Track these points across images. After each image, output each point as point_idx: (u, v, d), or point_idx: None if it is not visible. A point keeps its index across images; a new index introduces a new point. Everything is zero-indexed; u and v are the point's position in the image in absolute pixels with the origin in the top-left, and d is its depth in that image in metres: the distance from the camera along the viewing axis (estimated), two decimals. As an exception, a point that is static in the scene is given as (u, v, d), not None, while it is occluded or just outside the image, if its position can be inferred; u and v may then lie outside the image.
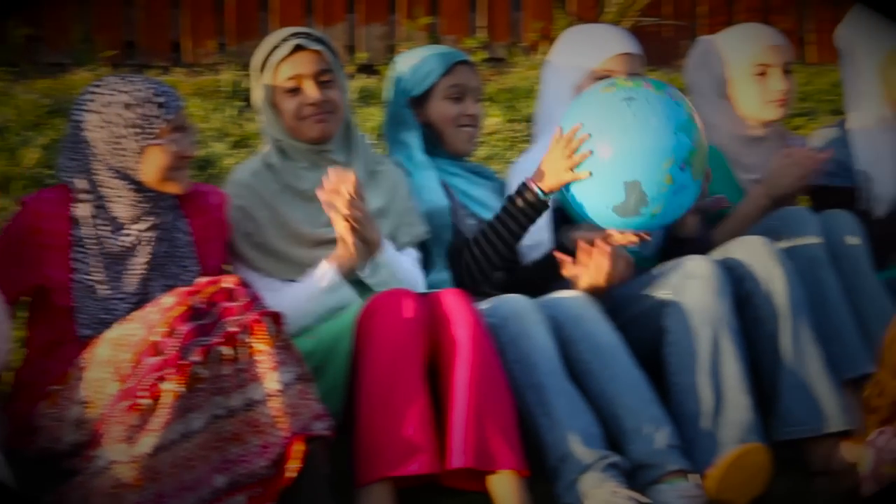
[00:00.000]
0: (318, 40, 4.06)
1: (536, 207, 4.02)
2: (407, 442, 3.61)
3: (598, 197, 3.88)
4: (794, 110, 6.33)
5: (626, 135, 3.83)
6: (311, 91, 4.02)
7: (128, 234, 3.74)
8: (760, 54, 4.49)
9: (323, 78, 4.03)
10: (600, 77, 4.23)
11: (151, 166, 3.69)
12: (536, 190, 4.00)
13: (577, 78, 4.31)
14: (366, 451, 3.64)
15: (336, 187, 3.76)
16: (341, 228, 3.79)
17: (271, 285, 3.91)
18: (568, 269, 3.97)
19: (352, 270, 3.86)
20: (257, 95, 4.10)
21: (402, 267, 4.02)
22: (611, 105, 3.87)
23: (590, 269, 3.94)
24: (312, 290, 3.84)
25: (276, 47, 4.03)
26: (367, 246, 3.84)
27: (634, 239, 3.97)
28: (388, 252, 3.96)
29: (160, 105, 3.67)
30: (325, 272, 3.84)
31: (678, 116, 3.85)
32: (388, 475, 3.60)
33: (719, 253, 4.11)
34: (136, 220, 3.74)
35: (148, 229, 3.75)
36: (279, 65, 4.02)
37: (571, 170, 3.88)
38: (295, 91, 4.02)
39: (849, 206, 4.42)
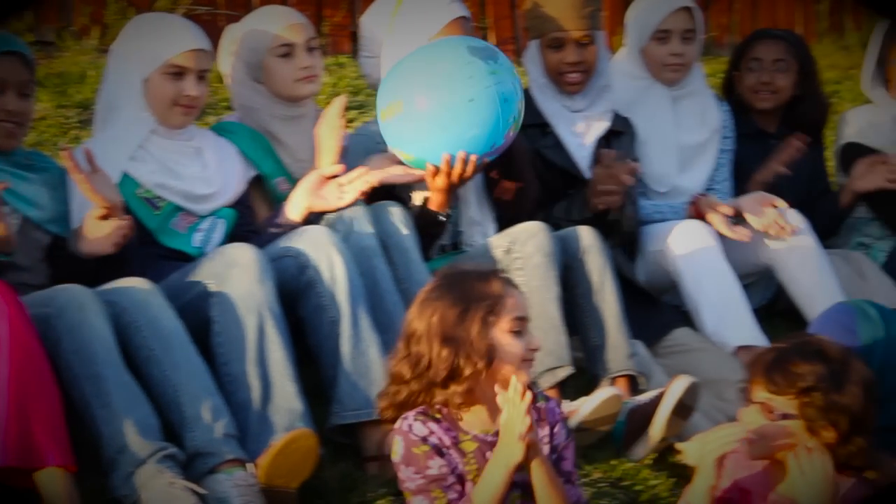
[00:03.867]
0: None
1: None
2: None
3: None
4: (348, 103, 6.45)
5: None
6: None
7: None
8: (283, 33, 4.54)
9: None
10: (171, 72, 4.20)
11: None
12: None
13: (146, 70, 4.25)
14: None
15: None
16: None
17: None
18: None
19: None
20: None
21: None
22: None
23: None
24: None
25: None
26: None
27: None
28: None
29: None
30: None
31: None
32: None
33: (282, 242, 4.14)
34: None
35: None
36: None
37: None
38: None
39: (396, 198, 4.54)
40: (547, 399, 3.49)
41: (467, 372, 3.31)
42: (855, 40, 8.26)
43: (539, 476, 3.29)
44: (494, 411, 3.35)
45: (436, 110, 4.18)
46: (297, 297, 4.06)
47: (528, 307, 3.41)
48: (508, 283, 3.43)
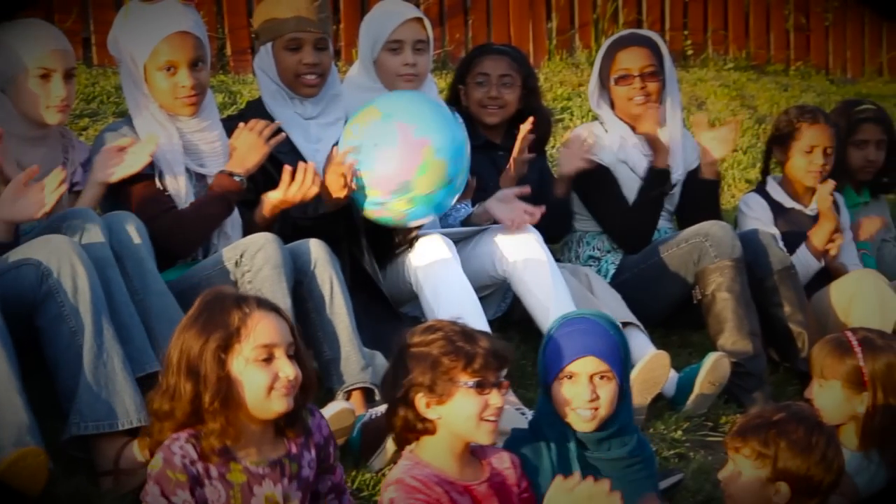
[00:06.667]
0: None
1: None
2: None
3: None
4: (81, 111, 6.33)
5: None
6: None
7: None
8: (45, 58, 4.39)
9: None
10: None
11: None
12: None
13: None
14: None
15: None
16: None
17: None
18: None
19: None
20: None
21: None
22: None
23: None
24: None
25: None
26: None
27: None
28: None
29: None
30: None
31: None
32: None
33: (22, 251, 4.02)
34: None
35: None
36: None
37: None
38: None
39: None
40: (312, 413, 3.44)
41: (208, 409, 3.25)
42: (584, 58, 8.49)
43: None
44: (264, 445, 3.31)
45: None
46: (35, 306, 3.96)
47: (286, 332, 3.34)
48: (260, 306, 3.33)
